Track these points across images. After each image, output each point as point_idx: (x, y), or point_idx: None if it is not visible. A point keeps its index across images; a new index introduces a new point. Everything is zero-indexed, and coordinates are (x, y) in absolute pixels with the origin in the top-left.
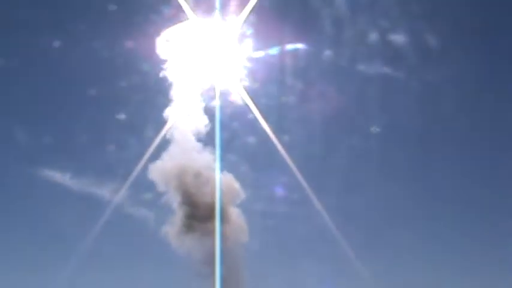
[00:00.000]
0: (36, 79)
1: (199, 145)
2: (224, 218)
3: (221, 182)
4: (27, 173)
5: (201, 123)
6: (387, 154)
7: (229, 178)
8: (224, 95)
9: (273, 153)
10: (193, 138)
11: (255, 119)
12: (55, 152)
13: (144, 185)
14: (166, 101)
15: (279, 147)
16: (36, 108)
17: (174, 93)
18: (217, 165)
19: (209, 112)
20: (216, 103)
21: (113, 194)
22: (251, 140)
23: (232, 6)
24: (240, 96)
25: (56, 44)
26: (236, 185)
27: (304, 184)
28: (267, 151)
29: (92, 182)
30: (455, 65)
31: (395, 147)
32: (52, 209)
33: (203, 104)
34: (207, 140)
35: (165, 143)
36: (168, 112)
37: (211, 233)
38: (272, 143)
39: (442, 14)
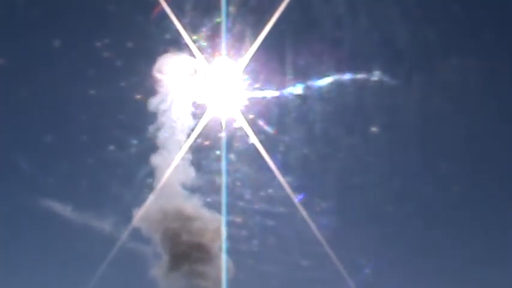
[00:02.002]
0: (39, 109)
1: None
2: (210, 258)
3: (210, 222)
4: (27, 203)
5: (189, 173)
6: (390, 163)
7: (217, 218)
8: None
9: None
10: (179, 186)
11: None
12: (56, 183)
13: None
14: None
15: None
16: (39, 139)
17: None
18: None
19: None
20: (223, 136)
21: (113, 228)
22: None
23: (237, 42)
24: (243, 131)
25: (57, 76)
26: (223, 226)
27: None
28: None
29: (93, 215)
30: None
31: (396, 152)
32: (52, 241)
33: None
34: (193, 188)
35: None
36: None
37: (198, 273)
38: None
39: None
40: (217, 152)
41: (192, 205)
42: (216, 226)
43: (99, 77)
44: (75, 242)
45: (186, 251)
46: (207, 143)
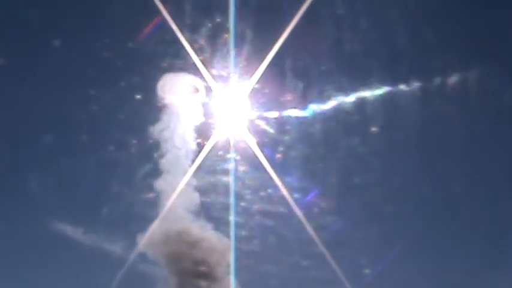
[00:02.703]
0: (54, 134)
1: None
2: (217, 280)
3: (217, 243)
4: (38, 226)
5: (194, 196)
6: (399, 183)
7: (224, 240)
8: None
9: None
10: (184, 209)
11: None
12: (67, 206)
13: None
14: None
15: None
16: (50, 161)
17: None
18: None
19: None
20: (232, 156)
21: (124, 250)
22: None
23: (245, 62)
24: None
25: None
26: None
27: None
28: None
29: (104, 237)
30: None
31: (380, 153)
32: (63, 264)
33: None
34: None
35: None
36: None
37: None
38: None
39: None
40: (225, 174)
41: (198, 227)
42: (223, 247)
43: (106, 99)
44: (86, 264)
45: (193, 273)
46: (214, 164)
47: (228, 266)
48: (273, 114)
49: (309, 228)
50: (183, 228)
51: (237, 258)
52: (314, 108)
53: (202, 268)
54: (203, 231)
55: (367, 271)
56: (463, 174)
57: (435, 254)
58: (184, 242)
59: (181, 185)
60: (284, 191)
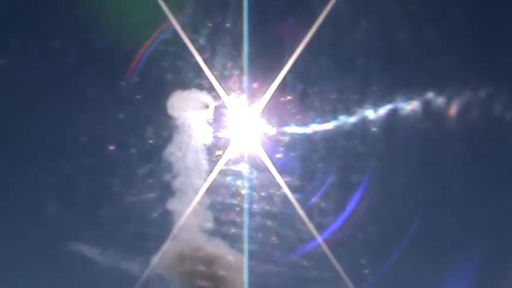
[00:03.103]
0: (68, 153)
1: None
2: None
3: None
4: (56, 248)
5: (207, 217)
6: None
7: (235, 255)
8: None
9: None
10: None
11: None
12: (84, 227)
13: None
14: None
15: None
16: (65, 183)
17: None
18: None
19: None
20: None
21: (142, 269)
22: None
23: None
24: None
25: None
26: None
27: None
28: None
29: (121, 256)
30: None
31: (393, 173)
32: (82, 284)
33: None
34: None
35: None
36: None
37: None
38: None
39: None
40: (239, 191)
41: (212, 246)
42: (238, 264)
43: (117, 118)
44: (104, 284)
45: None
46: (227, 181)
47: (243, 283)
48: (289, 129)
49: (324, 245)
50: (196, 246)
51: (251, 276)
52: (332, 123)
53: (217, 286)
54: (217, 249)
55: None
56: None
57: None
58: (198, 261)
59: (193, 204)
60: (299, 209)
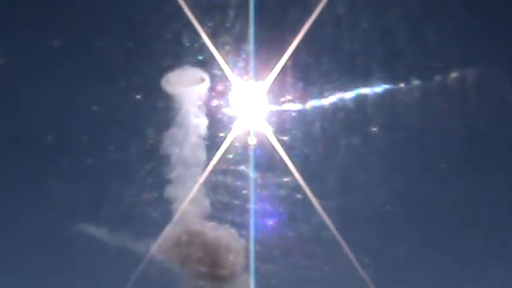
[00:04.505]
0: (73, 138)
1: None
2: (226, 276)
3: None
4: (63, 228)
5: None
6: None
7: (235, 237)
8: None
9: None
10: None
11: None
12: (92, 207)
13: None
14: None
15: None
16: (73, 164)
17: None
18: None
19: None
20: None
21: (149, 249)
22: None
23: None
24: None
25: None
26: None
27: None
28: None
29: (128, 236)
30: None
31: (396, 148)
32: (89, 264)
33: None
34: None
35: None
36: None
37: None
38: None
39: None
40: (243, 171)
41: (212, 228)
42: (238, 247)
43: (120, 97)
44: (111, 263)
45: (207, 274)
46: (231, 162)
47: (243, 265)
48: (295, 107)
49: (333, 228)
50: (199, 229)
51: (256, 259)
52: (337, 100)
53: (216, 268)
54: (217, 232)
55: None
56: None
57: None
58: (197, 243)
59: (198, 184)
60: (307, 190)
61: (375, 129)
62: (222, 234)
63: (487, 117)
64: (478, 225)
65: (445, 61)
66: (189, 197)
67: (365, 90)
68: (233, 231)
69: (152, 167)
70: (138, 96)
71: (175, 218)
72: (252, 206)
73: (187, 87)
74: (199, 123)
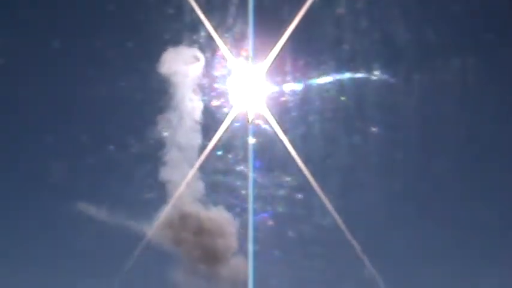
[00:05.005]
0: (71, 116)
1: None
2: (221, 259)
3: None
4: (62, 208)
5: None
6: (389, 155)
7: (229, 220)
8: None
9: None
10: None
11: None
12: (91, 187)
13: None
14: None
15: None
16: (70, 143)
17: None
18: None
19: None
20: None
21: (148, 229)
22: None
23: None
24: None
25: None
26: (231, 223)
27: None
28: None
29: (128, 216)
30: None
31: (396, 147)
32: (88, 244)
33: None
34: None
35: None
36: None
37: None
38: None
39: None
40: (242, 153)
41: (207, 211)
42: (231, 229)
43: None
44: (111, 243)
45: (203, 254)
46: (230, 143)
47: (236, 248)
48: (294, 88)
49: (332, 209)
50: (191, 211)
51: (254, 243)
52: (336, 80)
53: (210, 251)
54: (211, 214)
55: None
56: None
57: None
58: (191, 226)
59: (198, 163)
60: (307, 173)
61: (374, 110)
62: (219, 216)
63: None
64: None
65: (439, 42)
66: (187, 179)
67: (364, 71)
68: (230, 213)
69: (152, 148)
70: (133, 77)
71: (172, 200)
72: (250, 190)
73: (184, 66)
74: (196, 103)
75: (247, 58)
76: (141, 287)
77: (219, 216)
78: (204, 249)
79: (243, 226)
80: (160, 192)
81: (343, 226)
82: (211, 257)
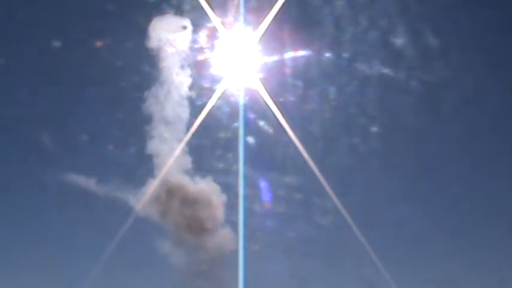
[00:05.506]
0: (58, 86)
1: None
2: (208, 229)
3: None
4: (52, 178)
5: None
6: (387, 153)
7: (216, 192)
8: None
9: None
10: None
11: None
12: (80, 157)
13: None
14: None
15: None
16: (60, 114)
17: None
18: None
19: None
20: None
21: (137, 200)
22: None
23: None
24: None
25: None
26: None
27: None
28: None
29: (117, 186)
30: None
31: (394, 147)
32: (77, 214)
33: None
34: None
35: None
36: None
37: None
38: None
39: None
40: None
41: (194, 183)
42: (218, 201)
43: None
44: (100, 214)
45: (190, 225)
46: (221, 114)
47: (223, 219)
48: (287, 59)
49: (324, 182)
50: (178, 183)
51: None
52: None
53: (196, 222)
54: (199, 187)
55: None
56: None
57: None
58: (178, 197)
59: (187, 137)
60: (299, 146)
61: (366, 81)
62: (207, 187)
63: None
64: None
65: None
66: (176, 152)
67: (358, 43)
68: (219, 185)
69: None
70: (120, 47)
71: (162, 172)
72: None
73: (171, 35)
74: (185, 74)
75: (238, 27)
76: (129, 257)
77: (207, 188)
78: (191, 220)
79: (234, 198)
80: (149, 165)
81: (330, 191)
82: (198, 228)
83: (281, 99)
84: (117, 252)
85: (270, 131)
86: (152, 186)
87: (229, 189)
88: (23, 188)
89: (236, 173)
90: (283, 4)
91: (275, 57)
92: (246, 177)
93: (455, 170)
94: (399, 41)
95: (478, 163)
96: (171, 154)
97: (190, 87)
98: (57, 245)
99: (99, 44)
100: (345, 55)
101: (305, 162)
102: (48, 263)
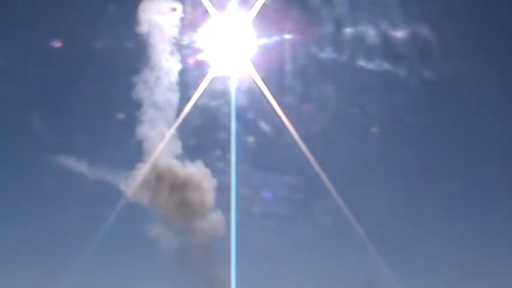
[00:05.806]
0: (51, 71)
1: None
2: (199, 213)
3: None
4: (42, 160)
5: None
6: (387, 152)
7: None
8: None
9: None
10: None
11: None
12: (72, 140)
13: None
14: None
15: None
16: (52, 97)
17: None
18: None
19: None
20: (232, 88)
21: (127, 184)
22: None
23: None
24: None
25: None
26: (209, 180)
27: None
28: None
29: (108, 170)
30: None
31: (394, 145)
32: (68, 197)
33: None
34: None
35: None
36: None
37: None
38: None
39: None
40: (225, 108)
41: (184, 167)
42: (208, 185)
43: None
44: (90, 196)
45: (179, 208)
46: (214, 97)
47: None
48: (278, 41)
49: (314, 160)
50: (168, 167)
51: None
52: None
53: (186, 205)
54: (189, 171)
55: None
56: None
57: None
58: (168, 181)
59: (178, 121)
60: (293, 133)
61: (362, 63)
62: (197, 171)
63: None
64: None
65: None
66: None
67: (354, 27)
68: (203, 171)
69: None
70: (111, 31)
71: (152, 157)
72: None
73: (161, 17)
74: (174, 60)
75: (230, 9)
76: (119, 241)
77: (197, 172)
78: (181, 204)
79: (225, 182)
80: (140, 149)
81: (322, 174)
82: (188, 211)
83: (273, 83)
84: (107, 236)
85: (261, 115)
86: (142, 170)
87: (220, 174)
88: (13, 170)
89: (228, 158)
90: None
91: (268, 41)
92: (238, 162)
93: (456, 170)
94: (393, 30)
95: (479, 163)
96: (161, 139)
97: (180, 72)
98: (47, 228)
99: (87, 28)
100: (340, 38)
101: (298, 147)
102: (37, 246)
